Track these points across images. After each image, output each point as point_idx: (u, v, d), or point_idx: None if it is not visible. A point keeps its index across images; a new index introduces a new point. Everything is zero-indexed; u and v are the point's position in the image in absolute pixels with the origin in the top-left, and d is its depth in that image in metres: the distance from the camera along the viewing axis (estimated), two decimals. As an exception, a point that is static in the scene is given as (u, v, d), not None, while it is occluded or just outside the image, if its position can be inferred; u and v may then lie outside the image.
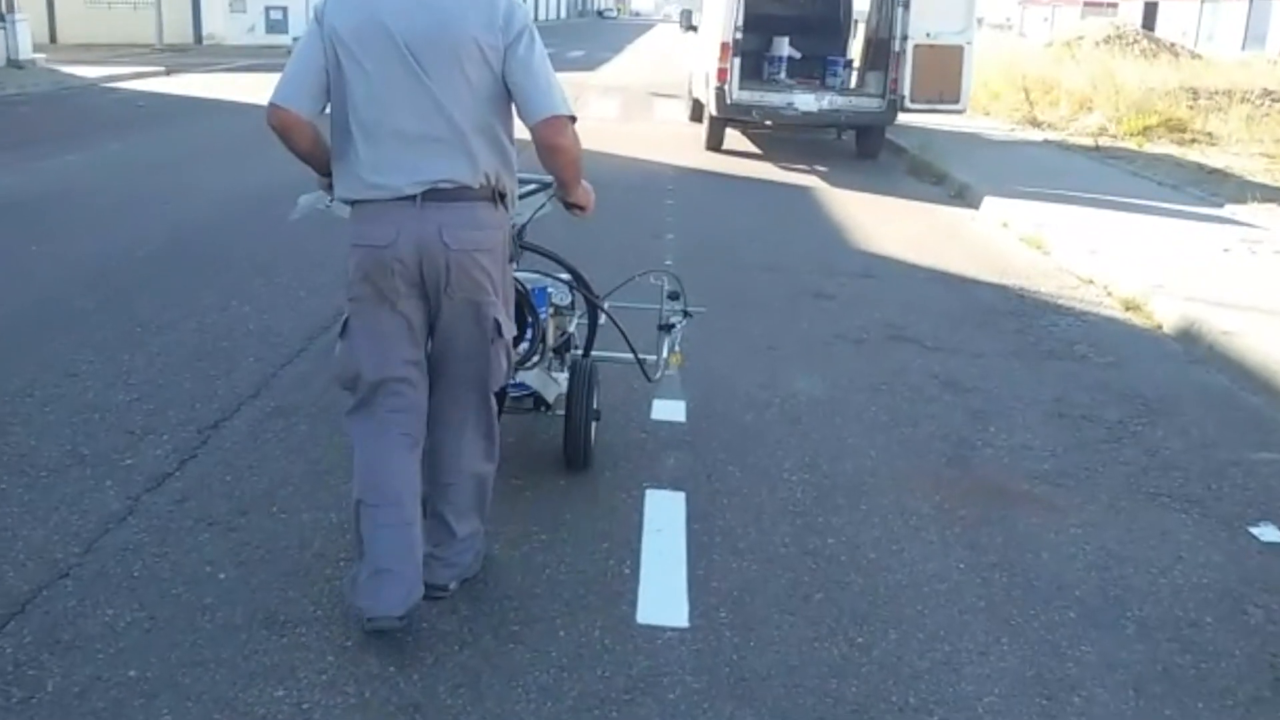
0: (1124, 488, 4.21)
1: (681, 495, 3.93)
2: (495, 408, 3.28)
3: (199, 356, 5.18)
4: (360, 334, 3.05)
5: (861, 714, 2.76)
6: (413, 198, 2.92)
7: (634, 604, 3.22)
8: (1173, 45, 30.14)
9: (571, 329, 4.21)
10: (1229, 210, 9.83)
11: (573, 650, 2.96)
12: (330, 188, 3.16)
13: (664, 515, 3.78)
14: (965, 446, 4.54)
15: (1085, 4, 58.83)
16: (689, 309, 4.54)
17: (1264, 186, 11.03)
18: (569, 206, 3.33)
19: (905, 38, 12.30)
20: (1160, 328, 6.46)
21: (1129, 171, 12.23)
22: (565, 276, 4.03)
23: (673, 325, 4.49)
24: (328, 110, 3.00)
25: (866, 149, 13.40)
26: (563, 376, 4.12)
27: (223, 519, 3.60)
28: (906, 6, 12.28)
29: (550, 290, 3.95)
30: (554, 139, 3.00)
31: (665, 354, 4.44)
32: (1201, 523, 3.94)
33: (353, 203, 3.03)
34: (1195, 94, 18.05)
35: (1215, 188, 11.03)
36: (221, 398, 4.66)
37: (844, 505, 3.92)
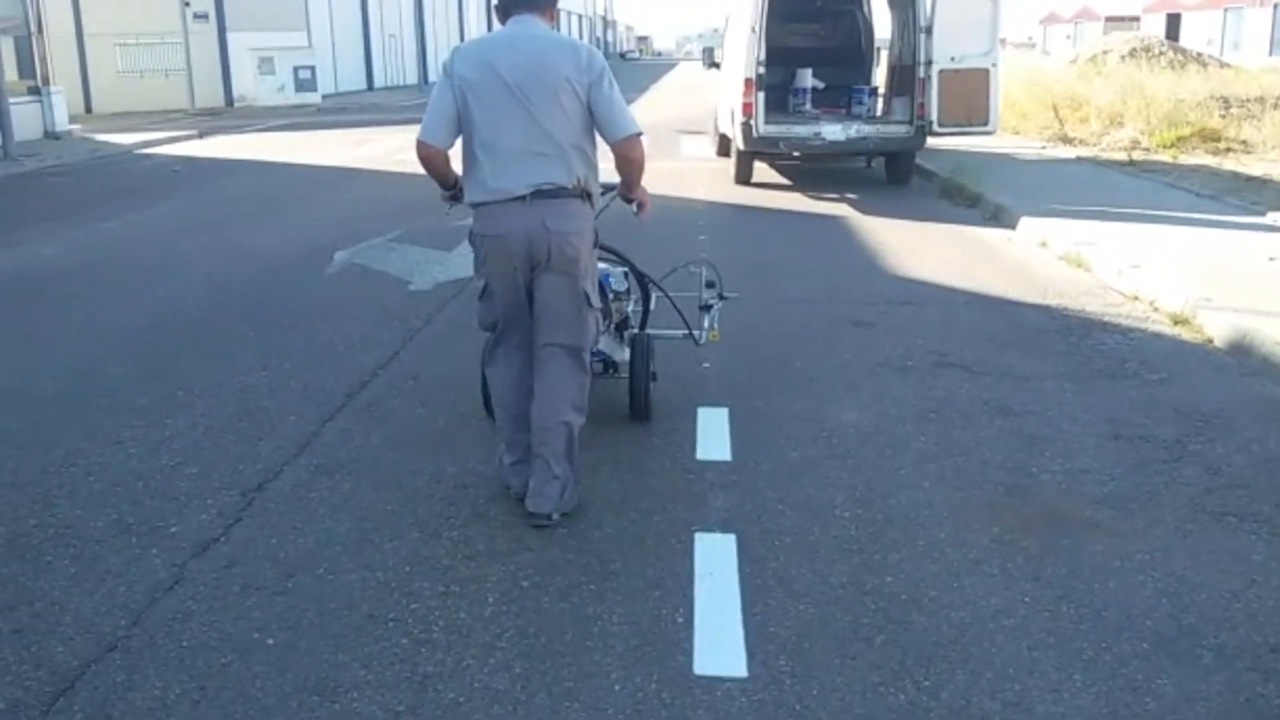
0: (1188, 509, 4.09)
1: (732, 537, 3.85)
2: (588, 367, 4.17)
3: (241, 417, 5.17)
4: (492, 295, 4.09)
5: (934, 761, 2.66)
6: (523, 197, 3.87)
7: (690, 654, 3.13)
8: (1199, 55, 29.93)
9: (629, 310, 5.22)
10: (1271, 218, 9.65)
11: (630, 706, 2.88)
12: (452, 200, 4.21)
13: (715, 559, 3.70)
14: (1021, 474, 4.43)
15: (1107, 19, 58.65)
16: (724, 293, 5.38)
17: (1306, 192, 10.85)
18: (632, 203, 4.32)
19: (930, 63, 12.26)
20: (1211, 342, 6.32)
21: (1165, 184, 12.08)
22: (623, 269, 5.08)
23: (710, 306, 5.35)
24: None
25: (897, 175, 13.33)
26: (624, 350, 5.07)
27: (270, 583, 3.55)
28: (929, 33, 12.25)
29: (611, 278, 4.99)
30: (629, 152, 4.01)
31: (706, 328, 5.30)
32: (1272, 542, 3.80)
33: (479, 205, 3.98)
34: (1226, 103, 17.87)
35: (1255, 196, 10.86)
36: (265, 458, 4.63)
37: (900, 541, 3.82)
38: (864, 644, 3.17)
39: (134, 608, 3.40)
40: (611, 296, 4.94)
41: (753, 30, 12.17)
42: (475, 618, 3.32)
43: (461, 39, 57.81)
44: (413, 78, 47.12)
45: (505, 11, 4.01)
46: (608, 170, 4.09)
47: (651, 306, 5.28)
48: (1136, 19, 54.80)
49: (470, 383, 5.59)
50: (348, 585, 3.54)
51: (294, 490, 4.30)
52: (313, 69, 34.69)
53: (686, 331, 5.31)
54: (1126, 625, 3.27)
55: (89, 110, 32.43)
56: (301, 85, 34.28)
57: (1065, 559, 3.69)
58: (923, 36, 12.33)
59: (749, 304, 7.15)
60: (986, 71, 12.46)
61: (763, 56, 12.17)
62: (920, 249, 9.27)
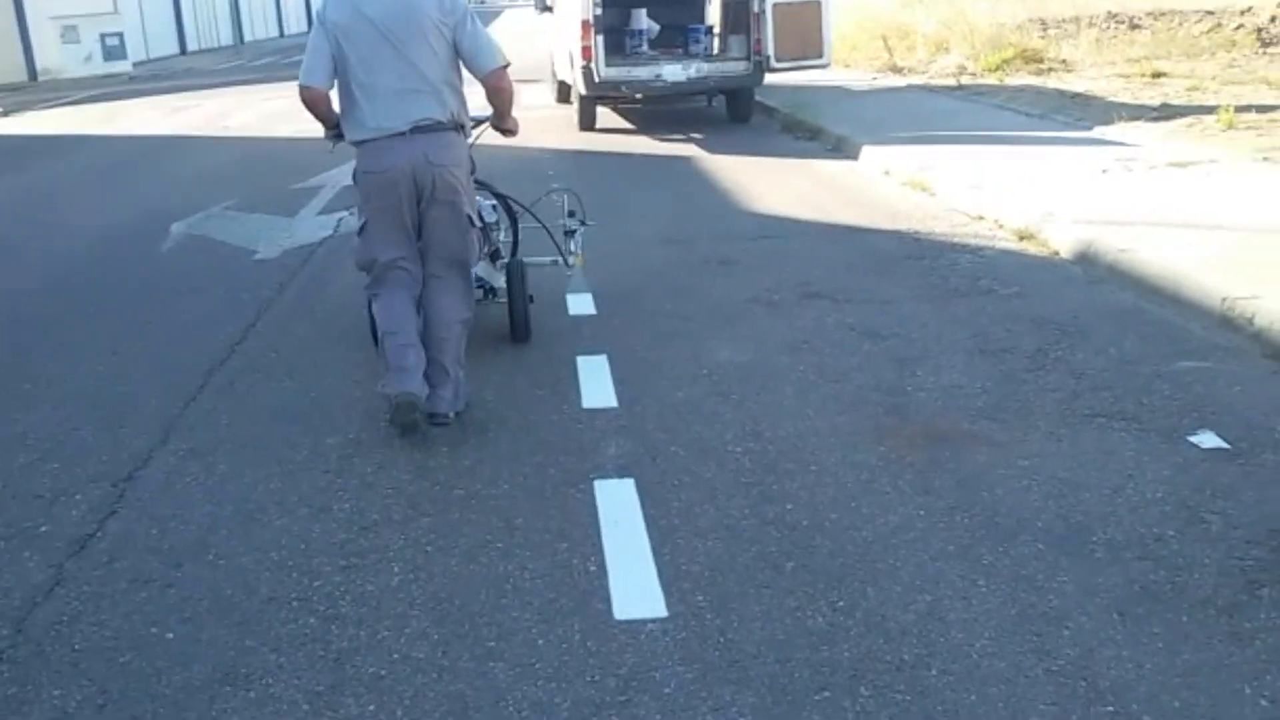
0: (1059, 414, 4.26)
1: (630, 482, 3.85)
2: (472, 276, 4.68)
3: (96, 406, 4.89)
4: (373, 233, 4.37)
5: (860, 678, 2.72)
6: (404, 133, 4.22)
7: (608, 600, 3.12)
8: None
9: (500, 240, 5.58)
10: (1098, 132, 10.09)
11: (556, 658, 2.86)
12: (336, 138, 4.48)
13: (617, 505, 3.69)
14: (898, 394, 4.55)
15: (919, -52, 60.13)
16: (585, 220, 5.85)
17: (1126, 105, 11.36)
18: (503, 131, 4.79)
19: (763, -1, 12.31)
20: (1057, 254, 6.58)
21: (995, 106, 12.49)
22: (491, 202, 5.44)
23: (574, 231, 5.79)
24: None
25: (738, 113, 13.40)
26: (501, 277, 5.35)
27: (158, 575, 3.39)
28: (762, -34, 12.29)
29: (483, 210, 5.20)
30: (498, 83, 4.43)
31: (573, 250, 5.75)
32: (1142, 438, 4.00)
33: (360, 142, 4.29)
34: (1044, 24, 18.55)
35: (1080, 112, 11.32)
36: (129, 446, 4.40)
37: (794, 469, 3.88)
38: (775, 571, 3.22)
39: (13, 615, 3.20)
40: (482, 226, 5.09)
41: (588, -28, 12.00)
42: (382, 589, 3.24)
43: (275, -2, 55.57)
44: (228, 39, 45.07)
45: None
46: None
47: (519, 236, 5.68)
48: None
49: (334, 350, 5.46)
50: (241, 569, 3.40)
51: (166, 477, 4.10)
52: (120, 35, 32.74)
53: (555, 258, 5.72)
54: (1019, 529, 3.40)
55: (-128, 93, 30.04)
56: (110, 53, 32.34)
57: (951, 471, 3.81)
58: (755, -30, 12.36)
59: (612, 249, 7.15)
60: (819, 5, 12.57)
61: (599, -1, 12.03)
62: (770, 184, 9.38)
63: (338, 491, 3.89)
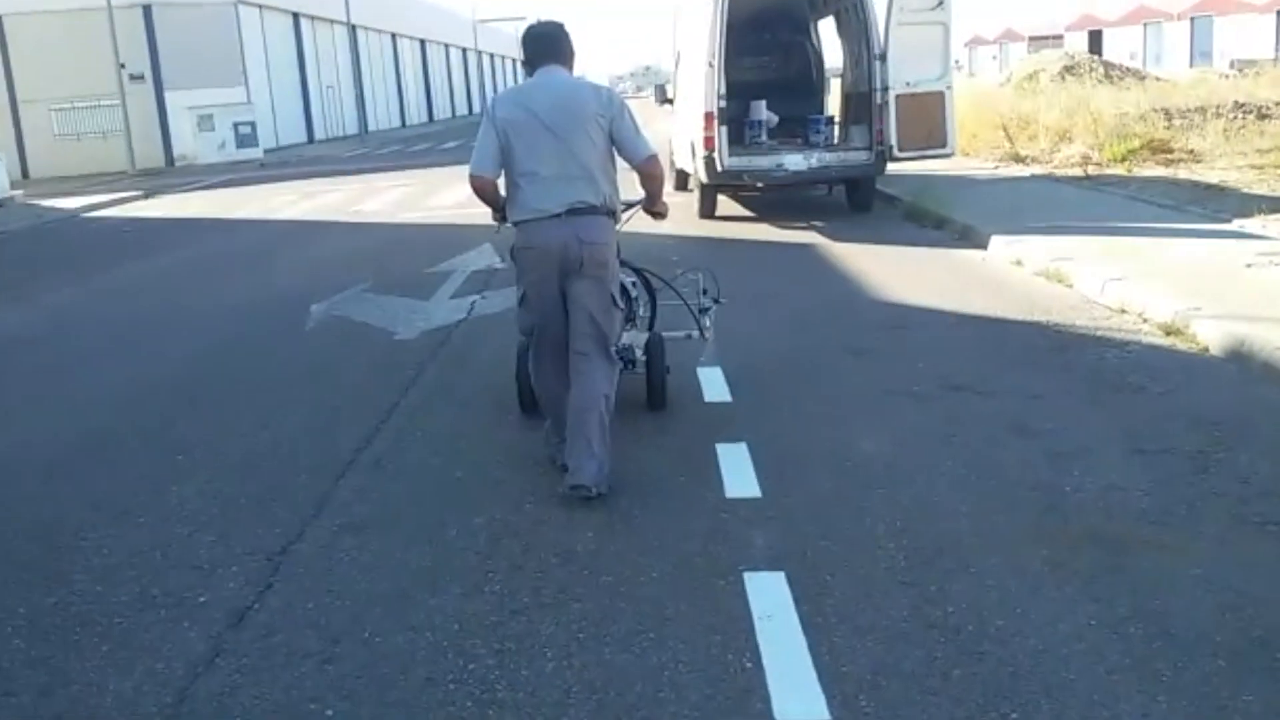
0: (1228, 520, 4.08)
1: (781, 575, 3.77)
2: (615, 358, 4.90)
3: (248, 479, 5.02)
4: (532, 301, 4.78)
5: (1043, 795, 2.59)
6: (559, 214, 4.59)
7: (767, 700, 3.04)
8: (1129, 69, 30.65)
9: (641, 312, 5.90)
10: (1237, 224, 9.81)
11: (721, 758, 2.79)
12: (501, 220, 4.87)
13: (769, 599, 3.61)
14: (1055, 494, 4.40)
15: (1031, 39, 60.03)
16: (719, 298, 6.15)
17: (1264, 198, 11.04)
18: (654, 214, 5.17)
19: (886, 89, 12.35)
20: (1207, 350, 6.36)
21: (1126, 196, 12.26)
22: (633, 279, 5.77)
23: (708, 309, 6.11)
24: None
25: (859, 202, 13.38)
26: (640, 346, 5.66)
27: (315, 650, 3.42)
28: (884, 59, 12.35)
29: (625, 284, 5.49)
30: (652, 169, 4.86)
31: (707, 325, 6.07)
32: (1321, 549, 3.80)
33: (520, 222, 4.70)
34: (1168, 114, 18.23)
35: (1216, 204, 11.04)
36: (283, 521, 4.49)
37: (953, 569, 3.76)
38: (941, 679, 3.10)
39: (176, 685, 3.25)
40: (626, 304, 5.41)
41: (710, 65, 12.20)
42: (538, 674, 3.21)
43: (399, 89, 57.79)
44: (353, 128, 46.88)
45: (533, 65, 4.82)
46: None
47: (656, 310, 6.02)
48: (1060, 37, 56.12)
49: (477, 430, 5.53)
50: (397, 648, 3.41)
51: (320, 551, 4.17)
52: (253, 124, 34.29)
53: (690, 331, 6.11)
54: (1197, 642, 3.23)
55: (25, 175, 31.91)
56: (242, 141, 33.88)
57: (1120, 578, 3.65)
58: (877, 63, 12.44)
59: (742, 336, 7.15)
60: (942, 94, 12.60)
61: (723, 90, 12.21)
62: (898, 272, 9.31)
63: (488, 573, 3.90)
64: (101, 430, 5.94)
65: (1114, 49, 50.53)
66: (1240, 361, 6.07)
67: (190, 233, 15.92)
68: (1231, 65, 36.80)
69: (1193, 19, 51.09)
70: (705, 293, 6.13)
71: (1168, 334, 6.72)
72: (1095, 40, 55.37)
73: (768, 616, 3.50)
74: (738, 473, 4.77)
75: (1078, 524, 4.11)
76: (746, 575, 3.79)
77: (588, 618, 3.54)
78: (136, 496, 4.86)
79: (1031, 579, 3.67)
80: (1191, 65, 43.82)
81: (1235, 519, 4.08)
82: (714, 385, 6.16)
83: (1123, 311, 7.35)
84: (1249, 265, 8.09)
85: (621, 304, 5.02)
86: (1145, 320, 7.07)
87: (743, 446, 5.09)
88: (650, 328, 5.87)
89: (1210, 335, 6.45)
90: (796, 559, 3.90)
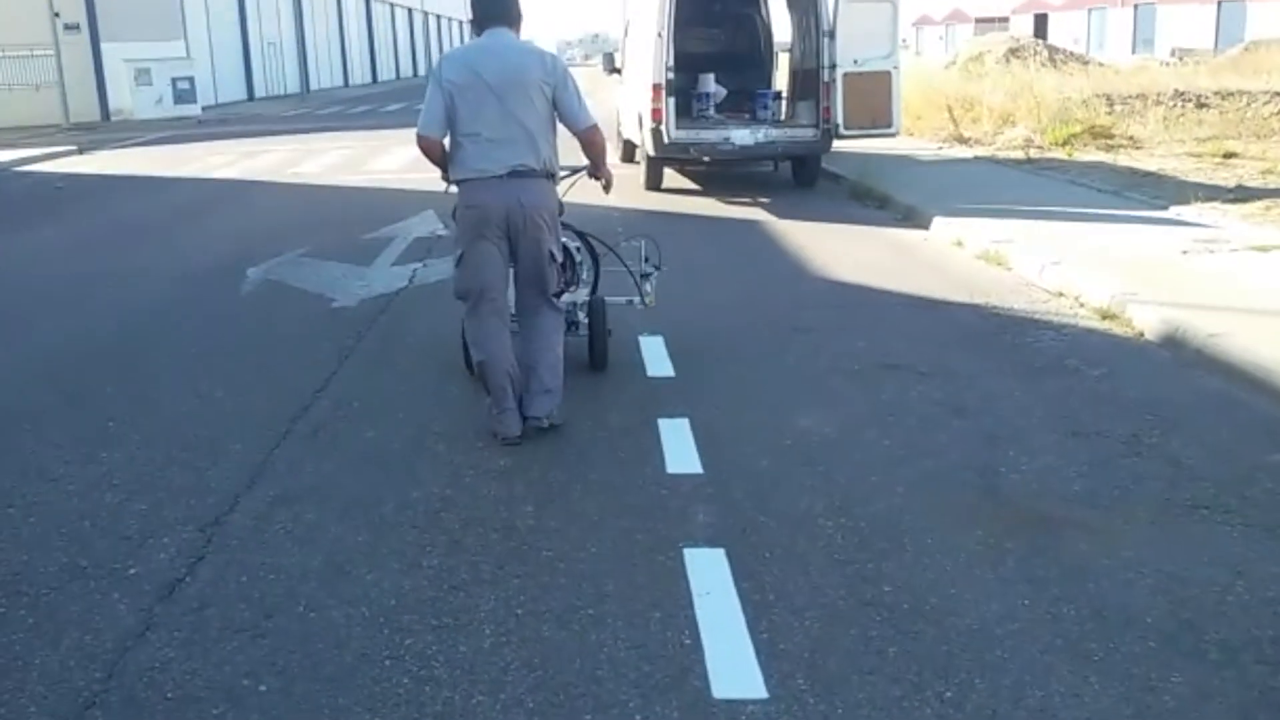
0: (1159, 503, 4.15)
1: (721, 552, 3.78)
2: (560, 305, 5.21)
3: (182, 447, 4.92)
4: (470, 263, 4.88)
5: (975, 775, 2.63)
6: (501, 176, 4.75)
7: (705, 677, 3.05)
8: (1074, 54, 30.99)
9: (584, 276, 5.99)
10: (1174, 211, 9.98)
11: (658, 736, 2.79)
12: (449, 181, 4.96)
13: (709, 576, 3.62)
14: (991, 474, 4.45)
15: (977, 20, 60.45)
16: (659, 265, 6.29)
17: (1201, 185, 11.25)
18: (599, 179, 5.34)
19: (834, 66, 12.36)
20: (1142, 335, 6.47)
21: (1066, 180, 12.41)
22: (578, 244, 5.88)
23: (649, 275, 6.23)
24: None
25: (804, 178, 13.42)
26: (583, 309, 5.86)
27: (249, 624, 3.36)
28: (833, 36, 12.35)
29: (570, 247, 5.72)
30: (593, 137, 5.02)
31: (648, 290, 6.18)
32: (1247, 533, 3.88)
33: (462, 181, 4.83)
34: (1110, 100, 18.48)
35: (1154, 190, 11.21)
36: (216, 490, 4.41)
37: (889, 549, 3.79)
38: (878, 657, 3.13)
39: (105, 659, 3.19)
40: (564, 262, 5.46)
41: (659, 35, 12.12)
42: (475, 651, 3.19)
43: (342, 48, 56.83)
44: (294, 87, 46.01)
45: (481, 25, 4.90)
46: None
47: (599, 275, 6.13)
48: (1006, 19, 56.60)
49: (416, 401, 5.47)
50: (332, 623, 3.37)
51: (254, 524, 4.10)
52: (191, 80, 33.55)
53: (632, 297, 6.21)
54: (1129, 624, 3.29)
55: (-46, 126, 30.93)
56: (180, 97, 33.13)
57: (1054, 559, 3.70)
58: (826, 40, 12.44)
59: (687, 312, 7.15)
60: (889, 74, 12.63)
61: (671, 62, 12.14)
62: (841, 251, 9.35)
63: (425, 548, 3.86)
64: (29, 395, 5.79)
65: (1059, 34, 51.04)
66: (1174, 347, 6.18)
67: (124, 191, 15.54)
68: (1172, 53, 37.42)
69: (1136, 6, 51.77)
70: (647, 260, 6.27)
71: (1104, 318, 6.82)
72: (1041, 24, 55.91)
73: (707, 593, 3.51)
74: (679, 448, 4.77)
75: (1013, 505, 4.17)
76: (686, 551, 3.79)
77: (526, 593, 3.52)
78: (66, 464, 4.75)
79: (966, 559, 3.71)
80: (1134, 52, 44.47)
81: (1166, 502, 4.16)
82: (657, 359, 6.15)
83: (1060, 295, 7.45)
84: (1185, 252, 8.24)
85: (560, 258, 5.17)
86: (1082, 304, 7.17)
87: (684, 422, 5.09)
88: (593, 291, 6.00)
89: (1146, 320, 6.56)
90: (736, 536, 3.91)
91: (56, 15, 29.69)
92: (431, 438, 4.97)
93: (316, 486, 4.44)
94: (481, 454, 4.75)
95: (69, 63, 30.21)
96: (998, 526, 3.96)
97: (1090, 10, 55.00)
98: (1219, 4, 46.29)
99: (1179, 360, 5.99)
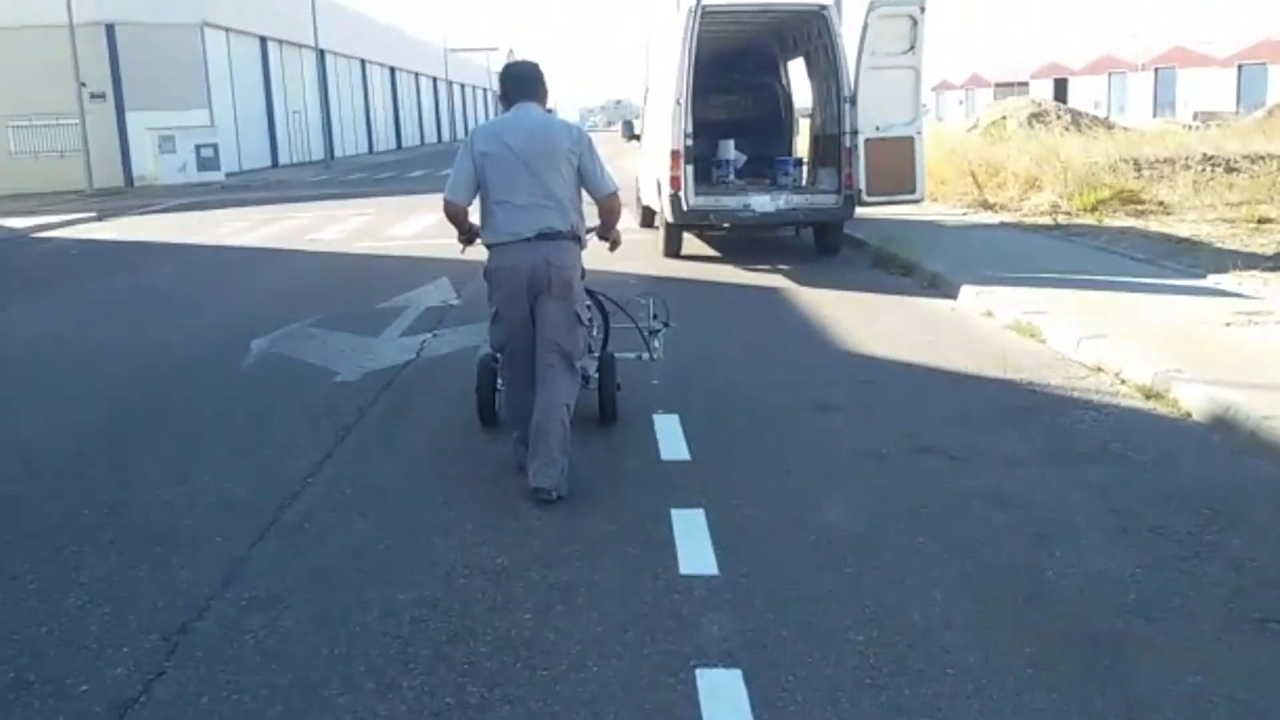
0: (1225, 615, 3.73)
1: (738, 674, 3.37)
2: (578, 372, 5.32)
3: (157, 540, 4.57)
4: (504, 321, 5.17)
5: None
6: (530, 239, 5.01)
7: (718, 832, 2.64)
8: (1097, 118, 30.80)
9: (595, 333, 6.02)
10: (1213, 280, 9.58)
11: None
12: (466, 242, 5.42)
13: (723, 705, 3.22)
14: (1036, 578, 4.04)
15: (997, 85, 60.63)
16: (668, 322, 6.57)
17: (1237, 253, 10.86)
18: (608, 241, 5.65)
19: (856, 132, 12.11)
20: (1189, 416, 6.06)
21: (1096, 248, 12.05)
22: (587, 302, 5.67)
23: (657, 331, 6.48)
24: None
25: (826, 245, 13.10)
26: (593, 366, 5.96)
27: (202, 760, 2.98)
28: (854, 102, 12.12)
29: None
30: (612, 204, 5.35)
31: (657, 346, 6.45)
32: (1329, 652, 3.45)
33: (493, 245, 5.11)
34: (1137, 165, 18.16)
35: (1190, 258, 10.83)
36: (187, 592, 4.04)
37: (927, 671, 3.38)
38: (917, 809, 2.72)
39: (36, 802, 2.81)
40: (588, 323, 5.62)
41: (678, 103, 11.90)
42: (455, 797, 2.80)
43: (367, 116, 57.39)
44: (319, 154, 46.40)
45: (509, 100, 5.23)
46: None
47: (609, 332, 6.24)
48: (1025, 84, 56.76)
49: (412, 490, 5.12)
50: (297, 758, 2.98)
51: (223, 632, 3.72)
52: (215, 147, 33.86)
53: (638, 354, 6.44)
54: (1205, 767, 2.87)
55: (-21, 192, 31.20)
56: (204, 164, 33.41)
57: (1115, 685, 3.28)
58: (847, 106, 12.20)
59: (705, 384, 6.84)
60: (912, 140, 12.36)
61: (690, 129, 11.91)
62: (865, 321, 8.99)
63: (408, 664, 3.47)
64: (5, 481, 5.45)
65: (1078, 97, 51.08)
66: (1225, 430, 5.76)
67: (139, 257, 15.40)
68: (1195, 117, 37.20)
69: (1156, 70, 51.81)
70: (655, 316, 6.53)
71: (1147, 397, 6.41)
72: (1060, 88, 56.02)
73: (721, 726, 3.10)
74: (693, 545, 4.38)
75: (1063, 616, 3.75)
76: (699, 672, 3.39)
77: (516, 725, 3.12)
78: (31, 559, 4.40)
79: (1015, 684, 3.29)
80: (1155, 116, 44.33)
81: (1232, 614, 3.73)
82: (672, 440, 5.79)
83: (1099, 370, 7.05)
84: (1227, 324, 7.84)
85: (586, 321, 5.39)
86: (1123, 381, 6.77)
87: (700, 514, 4.71)
88: (604, 348, 6.12)
89: (1193, 400, 6.15)
90: (755, 652, 3.51)
91: (83, 85, 30.01)
92: (426, 530, 4.60)
93: (296, 587, 4.06)
94: (479, 551, 4.37)
95: (94, 130, 30.55)
96: (1048, 643, 3.54)
97: (1110, 74, 55.08)
98: (1239, 68, 46.23)
99: (1231, 445, 5.57)
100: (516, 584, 4.05)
